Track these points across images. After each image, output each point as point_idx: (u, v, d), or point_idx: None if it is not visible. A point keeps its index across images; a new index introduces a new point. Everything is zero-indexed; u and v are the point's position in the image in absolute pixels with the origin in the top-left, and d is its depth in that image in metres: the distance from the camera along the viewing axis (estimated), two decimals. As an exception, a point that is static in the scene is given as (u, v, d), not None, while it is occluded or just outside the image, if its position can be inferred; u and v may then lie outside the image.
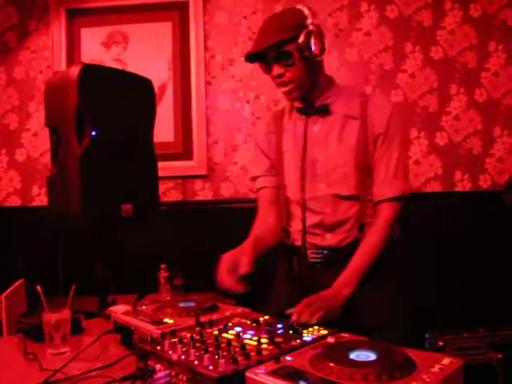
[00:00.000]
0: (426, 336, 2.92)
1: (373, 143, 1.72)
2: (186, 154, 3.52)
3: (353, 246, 1.71)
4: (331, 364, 0.97)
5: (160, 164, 2.61)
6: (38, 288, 1.55)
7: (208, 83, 3.52)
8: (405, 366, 0.95)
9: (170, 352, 1.11)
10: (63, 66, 3.50)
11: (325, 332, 1.26)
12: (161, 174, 2.63)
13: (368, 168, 1.72)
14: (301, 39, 1.61)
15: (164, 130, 3.41)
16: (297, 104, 1.83)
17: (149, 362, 1.15)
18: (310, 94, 1.76)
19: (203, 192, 3.51)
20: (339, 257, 1.72)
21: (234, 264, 1.56)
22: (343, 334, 1.22)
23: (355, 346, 1.06)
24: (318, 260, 1.76)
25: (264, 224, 1.89)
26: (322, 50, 1.66)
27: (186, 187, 3.50)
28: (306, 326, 1.33)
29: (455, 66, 3.42)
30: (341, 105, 1.76)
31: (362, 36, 3.44)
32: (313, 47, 1.62)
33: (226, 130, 3.52)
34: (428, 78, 3.42)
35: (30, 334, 1.64)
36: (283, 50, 1.64)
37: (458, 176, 3.42)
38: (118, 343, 1.52)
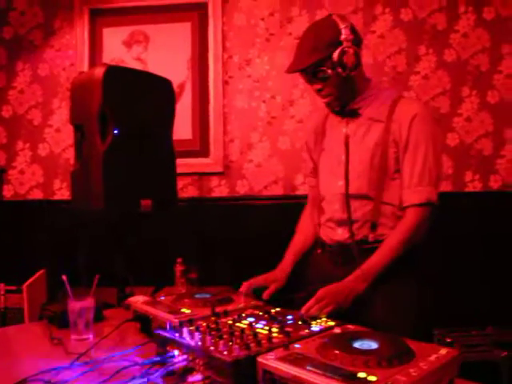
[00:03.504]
0: (435, 333, 2.99)
1: (394, 147, 1.76)
2: (203, 151, 3.61)
3: (361, 243, 1.78)
4: (336, 351, 1.05)
5: (177, 161, 2.70)
6: (64, 277, 1.63)
7: (225, 82, 3.60)
8: (404, 355, 1.03)
9: (188, 338, 1.20)
10: (86, 64, 3.61)
11: (332, 323, 1.35)
12: (178, 170, 2.72)
13: (386, 170, 1.77)
14: (334, 58, 1.68)
15: (182, 128, 3.48)
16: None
17: (168, 348, 1.24)
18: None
19: (219, 189, 3.59)
20: (348, 252, 1.80)
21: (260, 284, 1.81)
22: (349, 326, 1.31)
23: (359, 336, 1.15)
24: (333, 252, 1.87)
25: (310, 222, 2.05)
26: (356, 66, 1.71)
27: (202, 184, 3.59)
28: (315, 318, 1.42)
29: (468, 69, 3.45)
30: (370, 108, 1.82)
31: (376, 38, 3.49)
32: (346, 64, 1.69)
33: (242, 128, 3.59)
34: (441, 80, 3.46)
35: (54, 321, 1.74)
36: (318, 68, 1.73)
37: (469, 176, 3.47)
38: (137, 331, 1.61)
